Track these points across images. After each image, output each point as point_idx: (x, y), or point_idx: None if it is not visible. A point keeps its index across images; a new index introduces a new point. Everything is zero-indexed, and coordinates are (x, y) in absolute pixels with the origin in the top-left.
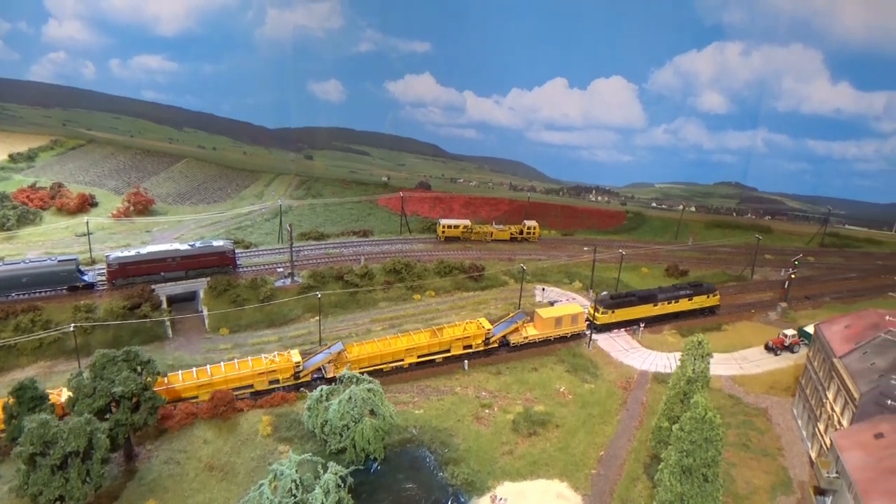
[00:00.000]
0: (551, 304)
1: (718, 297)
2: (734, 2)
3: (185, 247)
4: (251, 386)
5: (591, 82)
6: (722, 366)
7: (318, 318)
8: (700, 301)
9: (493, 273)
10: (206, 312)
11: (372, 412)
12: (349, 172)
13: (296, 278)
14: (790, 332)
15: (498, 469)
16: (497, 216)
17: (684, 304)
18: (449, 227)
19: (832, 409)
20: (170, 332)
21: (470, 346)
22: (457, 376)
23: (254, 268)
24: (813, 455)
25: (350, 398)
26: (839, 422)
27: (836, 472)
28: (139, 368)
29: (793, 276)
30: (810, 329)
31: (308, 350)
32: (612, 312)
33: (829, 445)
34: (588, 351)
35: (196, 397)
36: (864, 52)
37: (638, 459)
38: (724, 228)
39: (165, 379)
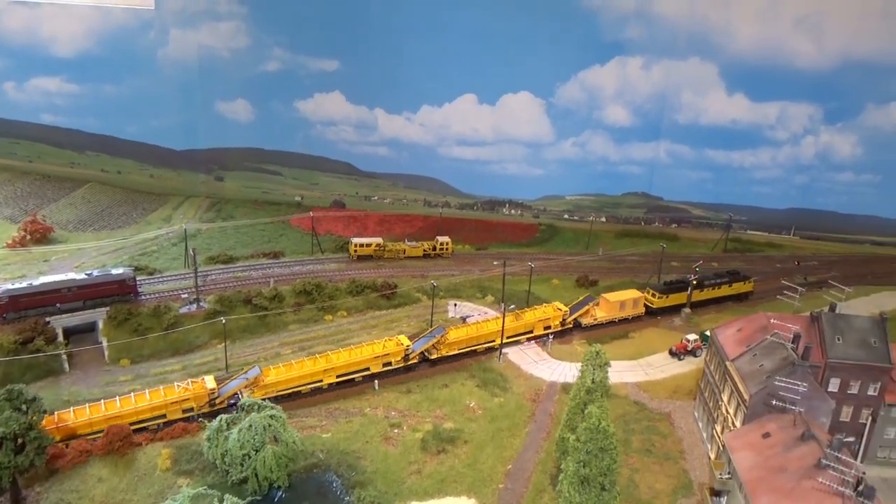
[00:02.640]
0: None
1: (753, 283)
2: (634, 18)
3: (81, 276)
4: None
5: (500, 98)
6: (629, 373)
7: (225, 343)
8: (738, 287)
9: (406, 290)
10: (105, 343)
11: (275, 439)
12: (262, 193)
13: (202, 304)
14: (692, 336)
15: (405, 489)
16: (411, 233)
17: (725, 290)
18: (361, 245)
19: (727, 410)
20: (66, 365)
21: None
22: (367, 397)
23: (157, 295)
24: (712, 456)
25: (250, 426)
26: (733, 423)
27: (729, 473)
28: (24, 407)
29: (694, 282)
30: None
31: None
32: (666, 297)
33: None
34: (498, 365)
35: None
36: (757, 66)
37: (545, 471)
38: (633, 238)
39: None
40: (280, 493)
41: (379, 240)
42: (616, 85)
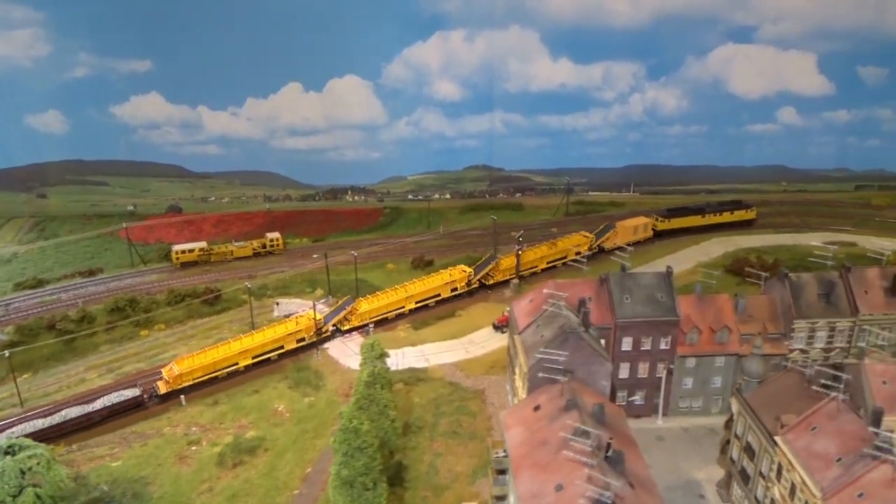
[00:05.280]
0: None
1: (755, 211)
2: None
3: None
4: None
5: (326, 83)
6: (448, 353)
7: (27, 375)
8: (740, 214)
9: (232, 294)
10: None
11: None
12: (90, 206)
13: None
14: None
15: None
16: (250, 231)
17: (727, 217)
18: (183, 252)
19: (520, 384)
20: None
21: (303, 339)
22: (169, 415)
23: None
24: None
25: (2, 471)
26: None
27: (505, 451)
28: None
29: (520, 252)
30: None
31: None
32: (669, 221)
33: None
34: (316, 361)
35: None
36: (576, 29)
37: None
38: (478, 211)
39: None
40: None
41: (202, 244)
42: (441, 60)
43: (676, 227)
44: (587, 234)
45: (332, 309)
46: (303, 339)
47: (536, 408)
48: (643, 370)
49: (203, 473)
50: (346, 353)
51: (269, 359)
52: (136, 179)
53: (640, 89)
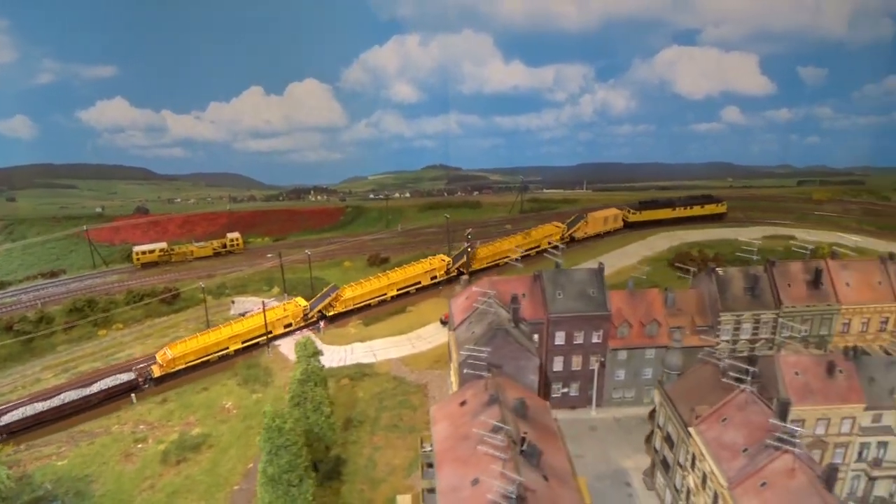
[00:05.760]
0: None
1: (726, 206)
2: None
3: None
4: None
5: (286, 87)
6: (395, 349)
7: None
8: (711, 208)
9: (190, 293)
10: None
11: None
12: (59, 209)
13: None
14: None
15: None
16: (215, 231)
17: (697, 210)
18: (144, 252)
19: (453, 379)
20: None
21: (290, 325)
22: (118, 413)
23: None
24: None
25: None
26: None
27: (431, 446)
28: None
29: (469, 249)
30: None
31: None
32: (640, 213)
33: None
34: (267, 359)
35: None
36: (527, 32)
37: None
38: (437, 210)
39: None
40: None
41: (163, 244)
42: (398, 63)
43: (647, 219)
44: (559, 224)
45: (318, 296)
46: (290, 325)
47: (463, 403)
48: (577, 363)
49: (146, 471)
50: None
51: (258, 343)
52: (104, 182)
53: (590, 90)
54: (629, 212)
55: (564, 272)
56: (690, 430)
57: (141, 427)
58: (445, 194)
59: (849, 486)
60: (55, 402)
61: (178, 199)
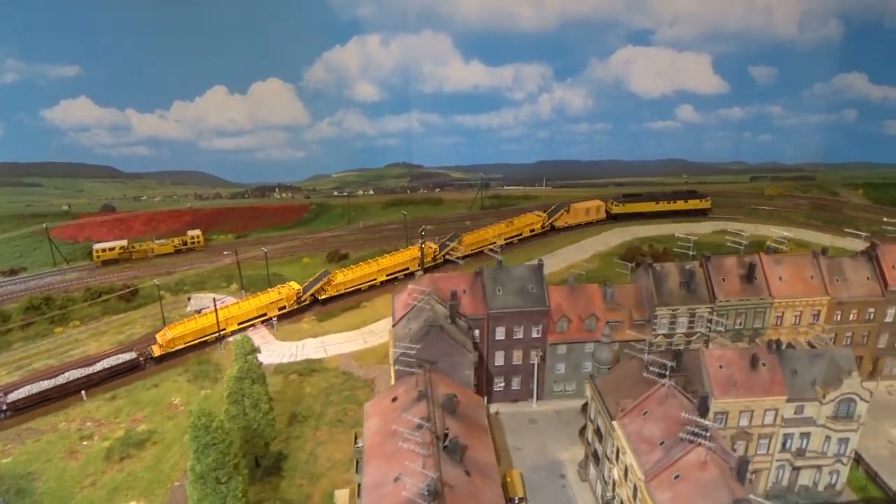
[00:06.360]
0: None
1: (710, 201)
2: None
3: None
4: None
5: (250, 86)
6: (347, 344)
7: None
8: (694, 203)
9: (149, 289)
10: None
11: None
12: (25, 206)
13: None
14: None
15: None
16: (179, 228)
17: (681, 205)
18: (104, 250)
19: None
20: None
21: (284, 307)
22: (66, 410)
23: None
24: None
25: None
26: None
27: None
28: None
29: (422, 246)
30: None
31: None
32: (624, 205)
33: None
34: (219, 354)
35: None
36: (486, 32)
37: None
38: (400, 206)
39: None
40: None
41: (123, 242)
42: (360, 63)
43: (630, 211)
44: (540, 213)
45: (311, 280)
46: (283, 307)
47: (394, 399)
48: (517, 357)
49: (89, 468)
50: None
51: (253, 324)
52: (70, 181)
53: (548, 89)
54: (613, 204)
55: (505, 269)
56: (614, 423)
57: (88, 424)
58: (408, 191)
59: (774, 475)
60: (59, 380)
61: (145, 197)
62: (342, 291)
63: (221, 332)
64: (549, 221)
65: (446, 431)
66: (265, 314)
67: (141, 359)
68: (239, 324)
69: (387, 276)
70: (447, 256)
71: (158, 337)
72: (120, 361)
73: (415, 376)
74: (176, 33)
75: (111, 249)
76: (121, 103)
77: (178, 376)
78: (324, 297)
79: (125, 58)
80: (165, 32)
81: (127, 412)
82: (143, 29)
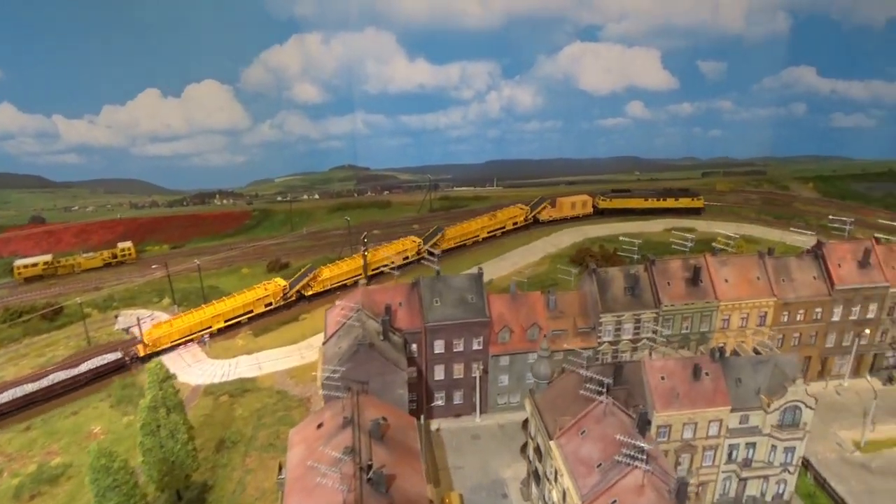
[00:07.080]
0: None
1: (702, 200)
2: None
3: None
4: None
5: (184, 89)
6: (283, 360)
7: None
8: (686, 202)
9: (74, 307)
10: None
11: None
12: None
13: None
14: None
15: None
16: (112, 239)
17: (671, 203)
18: (26, 266)
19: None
20: None
21: (270, 304)
22: None
23: None
24: None
25: None
26: None
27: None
28: None
29: (366, 252)
30: None
31: None
32: (611, 200)
33: None
34: (144, 378)
35: None
36: (431, 30)
37: None
38: (346, 210)
39: None
40: None
41: (47, 257)
42: (300, 63)
43: (618, 206)
44: (523, 206)
45: (297, 276)
46: (270, 304)
47: (320, 425)
48: (458, 371)
49: None
50: (180, 364)
51: (239, 322)
52: None
53: (496, 87)
54: (600, 199)
55: (443, 278)
56: (551, 444)
57: None
58: (355, 195)
59: (721, 487)
60: (44, 382)
61: (76, 207)
62: (328, 287)
63: (208, 330)
64: (532, 214)
65: (370, 463)
66: (251, 311)
67: (126, 358)
68: (225, 321)
69: (372, 270)
70: (424, 257)
71: (144, 336)
72: (106, 362)
73: (341, 401)
74: (102, 34)
75: (34, 265)
76: (46, 109)
77: (100, 402)
78: (310, 293)
79: (49, 61)
80: (91, 33)
81: (41, 444)
82: (67, 31)
